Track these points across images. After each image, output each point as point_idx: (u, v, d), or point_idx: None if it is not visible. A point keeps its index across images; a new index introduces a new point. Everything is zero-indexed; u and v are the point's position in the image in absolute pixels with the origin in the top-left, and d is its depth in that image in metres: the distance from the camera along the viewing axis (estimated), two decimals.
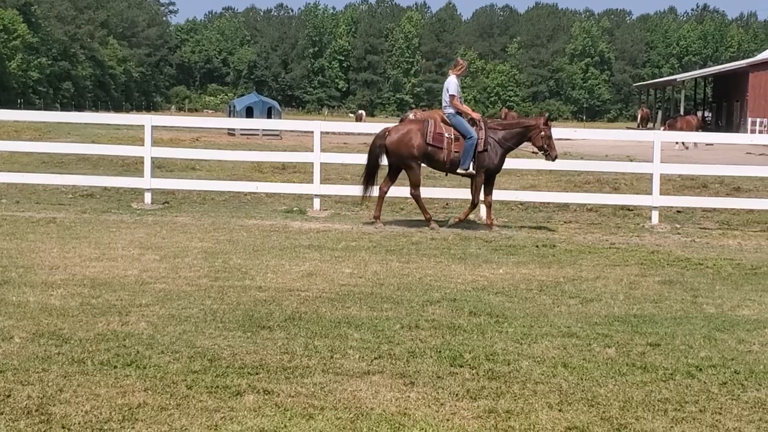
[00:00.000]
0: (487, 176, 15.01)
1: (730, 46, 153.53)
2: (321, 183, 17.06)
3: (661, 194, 16.68)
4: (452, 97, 14.89)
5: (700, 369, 6.74)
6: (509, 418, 5.62)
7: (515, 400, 5.96)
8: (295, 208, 17.07)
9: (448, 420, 5.57)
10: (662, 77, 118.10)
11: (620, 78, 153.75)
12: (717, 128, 78.67)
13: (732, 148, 42.58)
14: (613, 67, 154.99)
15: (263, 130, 45.02)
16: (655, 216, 16.32)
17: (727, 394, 6.18)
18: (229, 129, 46.24)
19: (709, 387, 6.33)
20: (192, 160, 23.27)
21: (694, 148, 41.65)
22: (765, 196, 20.24)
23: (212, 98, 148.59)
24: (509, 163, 19.56)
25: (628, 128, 64.19)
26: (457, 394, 6.04)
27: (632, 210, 17.84)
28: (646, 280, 10.66)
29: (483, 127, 14.87)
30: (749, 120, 63.90)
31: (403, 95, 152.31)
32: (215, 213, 16.29)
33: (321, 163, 17.05)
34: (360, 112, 72.66)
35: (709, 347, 7.42)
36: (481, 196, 15.10)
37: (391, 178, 15.39)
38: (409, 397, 5.98)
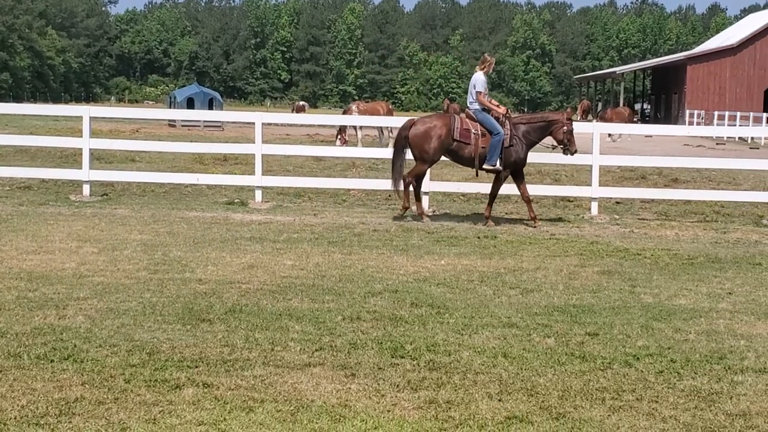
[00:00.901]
0: (515, 171, 15.11)
1: (668, 39, 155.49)
2: (263, 174, 16.95)
3: (600, 185, 16.85)
4: (479, 93, 14.91)
5: (638, 358, 6.82)
6: (449, 408, 5.65)
7: (456, 390, 5.99)
8: (236, 200, 16.95)
9: (388, 411, 5.58)
10: (602, 70, 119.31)
11: (561, 70, 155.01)
12: (656, 120, 79.87)
13: (670, 139, 43.22)
14: (554, 60, 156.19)
15: (204, 121, 44.66)
16: (594, 207, 16.48)
17: (664, 383, 6.26)
18: (169, 120, 45.85)
19: (646, 376, 6.41)
20: (132, 151, 22.98)
21: (619, 138, 41.87)
22: (702, 187, 20.56)
23: (153, 89, 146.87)
24: None
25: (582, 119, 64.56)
26: (398, 385, 6.05)
27: (572, 201, 18.00)
28: (585, 270, 10.77)
29: (508, 123, 14.92)
30: (687, 112, 64.86)
31: (346, 87, 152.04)
32: (155, 205, 16.12)
33: (263, 155, 16.95)
34: (301, 103, 71.99)
35: (647, 336, 7.51)
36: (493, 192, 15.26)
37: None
38: (350, 388, 5.98)
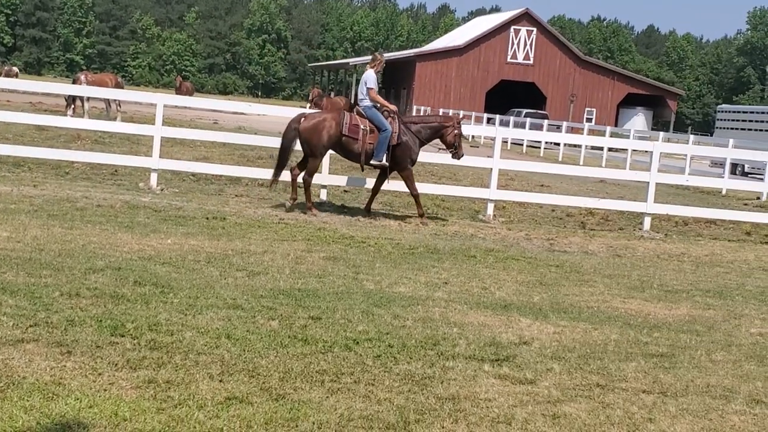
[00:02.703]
0: (391, 168, 15.24)
1: (400, 36, 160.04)
2: None
3: (330, 173, 17.11)
4: (370, 89, 15.17)
5: (357, 342, 7.00)
6: (169, 388, 5.57)
7: (176, 370, 5.91)
8: None
9: (105, 390, 5.43)
10: (336, 60, 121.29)
11: (296, 57, 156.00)
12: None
13: None
14: (289, 46, 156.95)
15: None
16: (323, 193, 16.73)
17: (381, 367, 6.46)
18: None
19: (364, 359, 6.59)
20: None
21: None
22: (425, 181, 21.28)
23: None
24: (182, 132, 19.38)
25: (301, 107, 65.26)
26: (116, 364, 5.89)
27: (302, 187, 18.13)
28: (311, 255, 10.92)
29: (397, 120, 15.11)
30: (415, 108, 67.10)
31: (73, 56, 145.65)
32: None
33: None
34: (14, 69, 66.34)
35: (367, 321, 7.72)
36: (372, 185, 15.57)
37: (304, 163, 15.32)
38: (65, 366, 5.76)
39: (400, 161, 15.20)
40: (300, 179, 15.25)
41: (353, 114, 15.30)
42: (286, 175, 15.38)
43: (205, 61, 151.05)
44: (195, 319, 7.20)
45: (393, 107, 15.66)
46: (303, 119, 15.14)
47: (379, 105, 15.30)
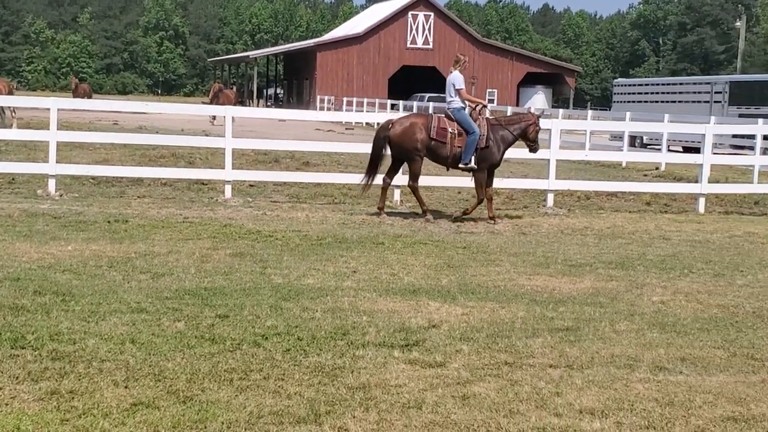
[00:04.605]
0: (488, 171, 15.21)
1: (299, 26, 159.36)
2: None
3: (234, 168, 16.98)
4: (460, 90, 15.08)
5: (266, 338, 6.96)
6: (73, 398, 5.46)
7: (80, 379, 5.80)
8: None
9: (6, 404, 5.30)
10: (236, 53, 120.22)
11: (195, 53, 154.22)
12: (289, 105, 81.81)
13: (303, 124, 44.47)
14: (188, 42, 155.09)
15: None
16: (228, 190, 16.58)
17: (290, 361, 6.43)
18: None
19: (273, 354, 6.55)
20: None
21: (215, 121, 41.63)
22: (332, 170, 21.36)
23: None
24: (79, 136, 19.04)
25: (203, 103, 64.78)
26: (17, 377, 5.76)
27: (206, 184, 17.99)
28: (217, 253, 10.82)
29: (486, 123, 15.07)
30: (318, 97, 66.98)
31: None
32: None
33: None
34: None
35: (276, 316, 7.68)
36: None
37: (394, 170, 15.55)
38: None
39: (479, 164, 15.18)
40: (388, 184, 15.53)
41: (442, 117, 15.23)
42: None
43: (102, 61, 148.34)
44: (98, 326, 7.07)
45: (484, 102, 15.87)
46: (392, 125, 15.13)
47: (470, 104, 15.37)
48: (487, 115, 15.66)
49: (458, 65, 15.45)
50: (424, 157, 15.35)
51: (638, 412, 5.66)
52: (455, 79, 15.28)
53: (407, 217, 15.10)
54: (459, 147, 15.01)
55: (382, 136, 15.25)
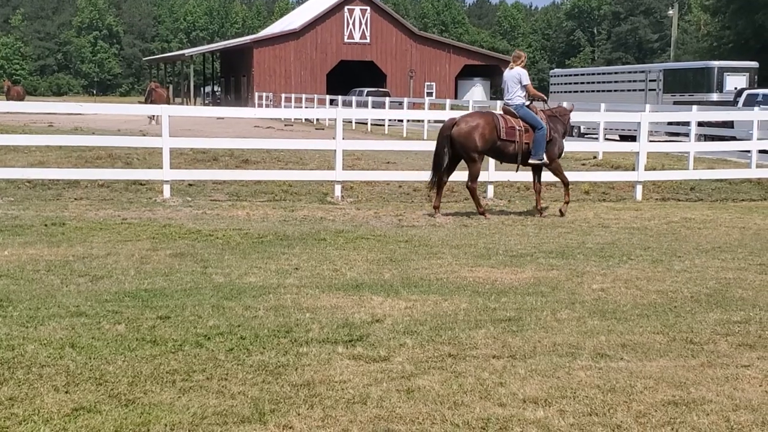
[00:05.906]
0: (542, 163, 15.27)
1: (235, 23, 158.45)
2: None
3: (172, 168, 16.83)
4: (527, 85, 15.05)
5: (209, 338, 6.90)
6: (12, 405, 5.37)
7: (19, 385, 5.70)
8: None
9: None
10: (172, 52, 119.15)
11: (130, 52, 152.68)
12: (227, 102, 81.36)
13: (241, 121, 44.25)
14: (122, 41, 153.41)
15: None
16: (166, 190, 16.42)
17: (234, 360, 6.39)
18: None
19: (216, 354, 6.50)
20: None
21: (155, 123, 41.49)
22: (272, 167, 21.28)
23: None
24: (13, 139, 18.75)
25: (139, 102, 63.99)
26: None
27: (145, 185, 17.82)
28: (157, 253, 10.72)
29: (545, 116, 15.07)
30: (256, 94, 66.65)
31: None
32: None
33: None
34: None
35: (218, 316, 7.62)
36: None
37: (450, 168, 15.08)
38: None
39: (550, 155, 15.16)
40: (444, 182, 15.18)
41: (506, 116, 14.99)
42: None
43: (35, 63, 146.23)
44: (37, 331, 6.96)
45: (545, 96, 15.92)
46: (455, 125, 14.77)
47: (534, 97, 15.39)
48: (542, 107, 15.66)
49: (519, 61, 15.30)
50: (489, 156, 15.49)
51: (581, 399, 5.72)
52: (521, 74, 15.13)
53: (471, 216, 14.99)
54: (527, 143, 14.94)
55: (446, 135, 14.88)
